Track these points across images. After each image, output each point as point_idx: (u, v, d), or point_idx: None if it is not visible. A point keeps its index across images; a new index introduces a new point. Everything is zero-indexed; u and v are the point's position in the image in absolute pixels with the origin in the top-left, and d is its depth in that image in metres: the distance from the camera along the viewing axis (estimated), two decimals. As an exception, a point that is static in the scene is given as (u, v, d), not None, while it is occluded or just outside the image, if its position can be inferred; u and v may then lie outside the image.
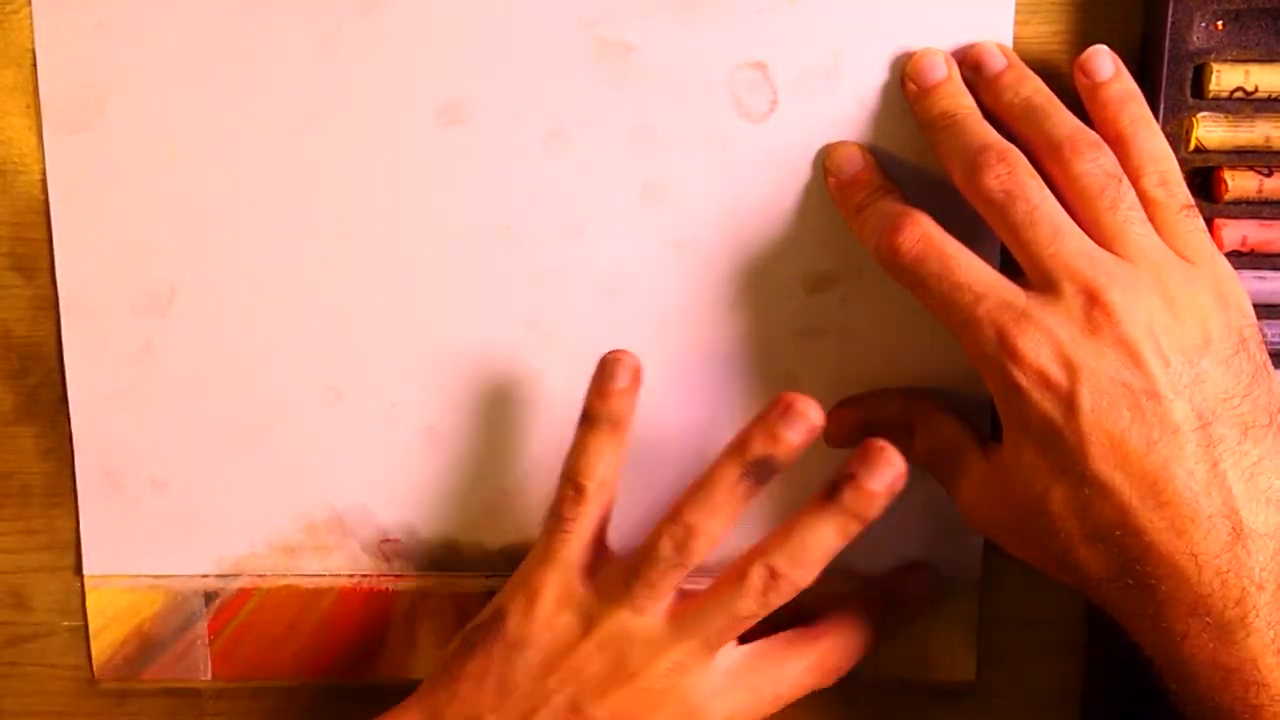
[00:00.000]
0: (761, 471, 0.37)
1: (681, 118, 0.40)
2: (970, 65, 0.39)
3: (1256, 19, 0.39)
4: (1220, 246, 0.40)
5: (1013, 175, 0.35)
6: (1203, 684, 0.34)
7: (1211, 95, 0.39)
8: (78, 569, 0.44)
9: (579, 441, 0.39)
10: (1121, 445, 0.33)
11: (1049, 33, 0.40)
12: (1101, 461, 0.34)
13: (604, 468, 0.39)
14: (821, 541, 0.37)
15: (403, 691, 0.45)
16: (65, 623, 0.45)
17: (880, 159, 0.40)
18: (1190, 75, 0.39)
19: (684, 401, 0.42)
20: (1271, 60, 0.39)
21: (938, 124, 0.38)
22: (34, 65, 0.40)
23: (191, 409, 0.42)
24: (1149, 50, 0.40)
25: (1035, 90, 0.38)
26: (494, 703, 0.38)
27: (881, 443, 0.37)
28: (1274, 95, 0.39)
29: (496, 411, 0.42)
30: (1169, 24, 0.39)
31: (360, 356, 0.42)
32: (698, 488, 0.38)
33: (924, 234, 0.36)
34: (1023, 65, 0.38)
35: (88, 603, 0.44)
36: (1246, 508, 0.33)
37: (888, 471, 0.37)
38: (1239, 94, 0.39)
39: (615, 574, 0.38)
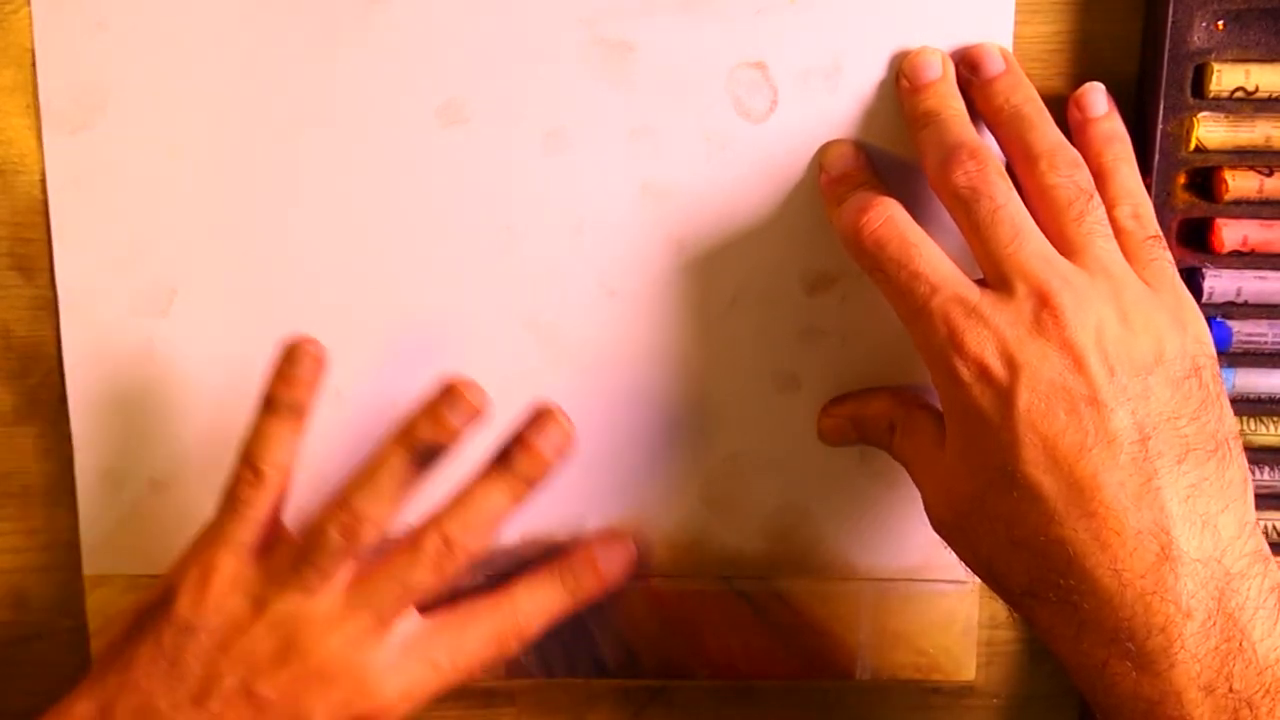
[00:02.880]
0: (427, 456, 0.38)
1: (681, 118, 0.40)
2: (969, 65, 0.39)
3: (1257, 19, 0.39)
4: (1220, 247, 0.40)
5: (981, 173, 0.35)
6: (1125, 716, 0.32)
7: (1212, 95, 0.39)
8: (78, 569, 0.44)
9: (259, 426, 0.39)
10: (1053, 448, 0.33)
11: (1049, 33, 0.40)
12: (1032, 464, 0.33)
13: (283, 453, 0.39)
14: (494, 506, 0.38)
15: (403, 691, 0.45)
16: (65, 623, 0.45)
17: (879, 159, 0.40)
18: (1190, 75, 0.39)
19: (684, 402, 0.42)
20: (1272, 60, 0.39)
21: (921, 121, 0.38)
22: (34, 65, 0.40)
23: (191, 409, 0.42)
24: (1149, 50, 0.40)
25: (1026, 99, 0.38)
26: (165, 688, 0.37)
27: (549, 405, 0.39)
28: (1274, 95, 0.39)
29: (496, 411, 0.42)
30: (1169, 24, 0.39)
31: (361, 356, 0.42)
32: (364, 474, 0.38)
33: (889, 218, 0.36)
34: (1020, 72, 0.38)
35: (88, 603, 0.44)
36: (1180, 528, 0.32)
37: (555, 433, 0.38)
38: (1239, 94, 0.39)
39: (285, 557, 0.38)
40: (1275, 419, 0.41)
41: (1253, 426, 0.41)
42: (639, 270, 0.42)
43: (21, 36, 0.40)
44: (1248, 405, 0.41)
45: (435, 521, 0.38)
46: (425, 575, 0.38)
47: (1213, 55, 0.39)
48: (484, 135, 0.41)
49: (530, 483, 0.39)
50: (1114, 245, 0.35)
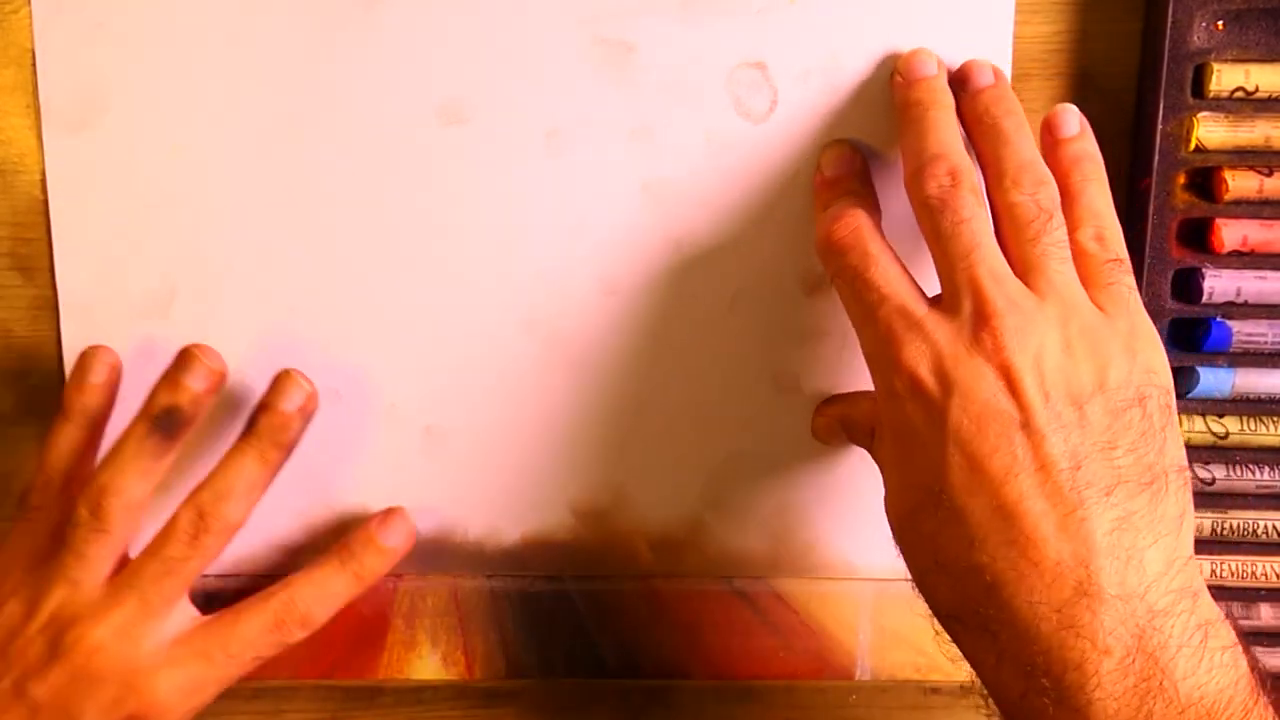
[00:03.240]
0: (169, 423, 0.39)
1: (681, 118, 0.40)
2: (959, 79, 0.39)
3: (1256, 19, 0.39)
4: (1220, 247, 0.40)
5: (954, 189, 0.35)
6: None
7: (1212, 95, 0.39)
8: (78, 569, 0.44)
9: (49, 432, 0.40)
10: (980, 470, 0.32)
11: (1049, 33, 0.40)
12: (958, 486, 0.32)
13: (55, 454, 0.39)
14: (245, 473, 0.39)
15: (402, 691, 0.45)
16: (65, 623, 0.45)
17: (877, 160, 0.40)
18: (1190, 75, 0.39)
19: (684, 402, 0.42)
20: (1272, 60, 0.39)
21: (910, 112, 0.38)
22: (34, 65, 0.40)
23: (191, 409, 0.42)
24: (1149, 50, 0.40)
25: (1007, 114, 0.37)
26: None
27: (290, 370, 0.40)
28: (1274, 95, 0.39)
29: (496, 411, 0.42)
30: (1169, 24, 0.39)
31: (360, 356, 0.42)
32: (109, 452, 0.39)
33: (857, 228, 0.36)
34: (1007, 88, 0.38)
35: (88, 603, 0.44)
36: (1102, 561, 0.31)
37: (296, 394, 0.40)
38: (1239, 94, 0.39)
39: (51, 554, 0.38)
40: (1275, 419, 0.41)
41: (1253, 426, 0.41)
42: (639, 270, 0.42)
43: (21, 36, 0.40)
44: (1248, 405, 0.41)
45: (189, 497, 0.39)
46: (181, 548, 0.38)
47: (1212, 55, 0.39)
48: (484, 135, 0.41)
49: (278, 444, 0.40)
50: (1069, 269, 0.34)
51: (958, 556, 0.32)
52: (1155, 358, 0.34)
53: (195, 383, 0.39)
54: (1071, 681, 0.31)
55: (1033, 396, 0.32)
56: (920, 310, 0.34)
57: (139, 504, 0.39)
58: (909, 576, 0.35)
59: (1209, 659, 0.31)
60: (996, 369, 0.33)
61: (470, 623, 0.44)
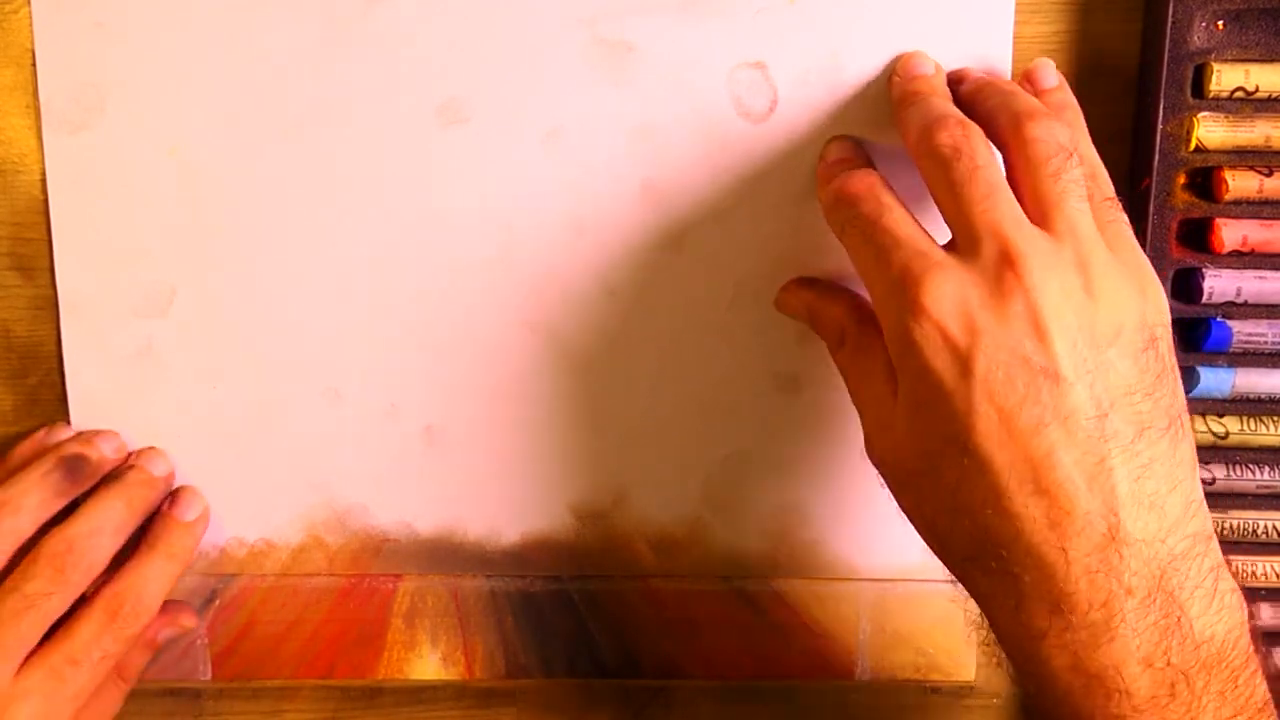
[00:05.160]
0: (74, 469, 0.40)
1: (681, 117, 0.40)
2: (954, 78, 0.39)
3: (1256, 19, 0.39)
4: (1220, 247, 0.40)
5: (966, 138, 0.34)
6: (1062, 689, 0.32)
7: (1212, 95, 0.39)
8: (78, 569, 0.44)
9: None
10: (1009, 421, 0.32)
11: (1049, 33, 0.40)
12: (986, 436, 0.32)
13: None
14: (111, 516, 0.40)
15: (402, 691, 0.45)
16: (65, 623, 0.45)
17: (878, 158, 0.40)
18: (1190, 75, 0.39)
19: (684, 402, 0.42)
20: (1271, 60, 0.39)
21: (908, 101, 0.37)
22: (34, 65, 0.40)
23: (191, 409, 0.42)
24: (1149, 50, 0.40)
25: (1010, 86, 0.37)
26: None
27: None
28: (1274, 95, 0.39)
29: (496, 411, 0.42)
30: (1169, 24, 0.39)
31: (360, 356, 0.42)
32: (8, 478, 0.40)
33: (872, 182, 0.36)
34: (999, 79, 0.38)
35: (88, 603, 0.44)
36: (1127, 510, 0.31)
37: (108, 441, 0.42)
38: (1239, 94, 0.39)
39: None
40: (1275, 419, 0.41)
41: (1253, 426, 0.41)
42: (639, 270, 0.42)
43: (21, 36, 0.40)
44: (1248, 405, 0.41)
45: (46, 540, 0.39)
46: (44, 583, 0.38)
47: (1213, 55, 0.39)
48: (484, 135, 0.41)
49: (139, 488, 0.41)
50: (1087, 207, 0.34)
51: (985, 504, 0.32)
52: (1160, 296, 0.34)
53: (108, 450, 0.42)
54: (1097, 619, 0.31)
55: (1059, 344, 0.32)
56: (937, 254, 0.33)
57: (22, 533, 0.39)
58: (903, 511, 0.35)
59: (1219, 600, 0.32)
60: (1022, 315, 0.32)
61: (470, 623, 0.44)
